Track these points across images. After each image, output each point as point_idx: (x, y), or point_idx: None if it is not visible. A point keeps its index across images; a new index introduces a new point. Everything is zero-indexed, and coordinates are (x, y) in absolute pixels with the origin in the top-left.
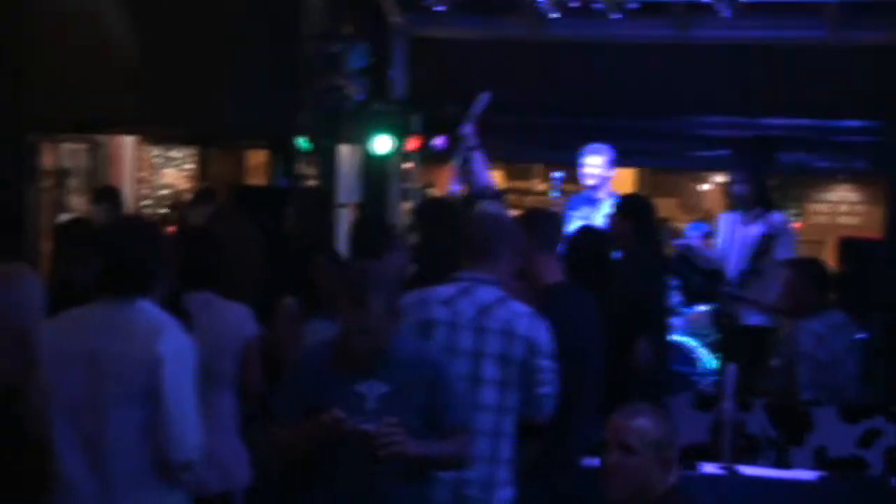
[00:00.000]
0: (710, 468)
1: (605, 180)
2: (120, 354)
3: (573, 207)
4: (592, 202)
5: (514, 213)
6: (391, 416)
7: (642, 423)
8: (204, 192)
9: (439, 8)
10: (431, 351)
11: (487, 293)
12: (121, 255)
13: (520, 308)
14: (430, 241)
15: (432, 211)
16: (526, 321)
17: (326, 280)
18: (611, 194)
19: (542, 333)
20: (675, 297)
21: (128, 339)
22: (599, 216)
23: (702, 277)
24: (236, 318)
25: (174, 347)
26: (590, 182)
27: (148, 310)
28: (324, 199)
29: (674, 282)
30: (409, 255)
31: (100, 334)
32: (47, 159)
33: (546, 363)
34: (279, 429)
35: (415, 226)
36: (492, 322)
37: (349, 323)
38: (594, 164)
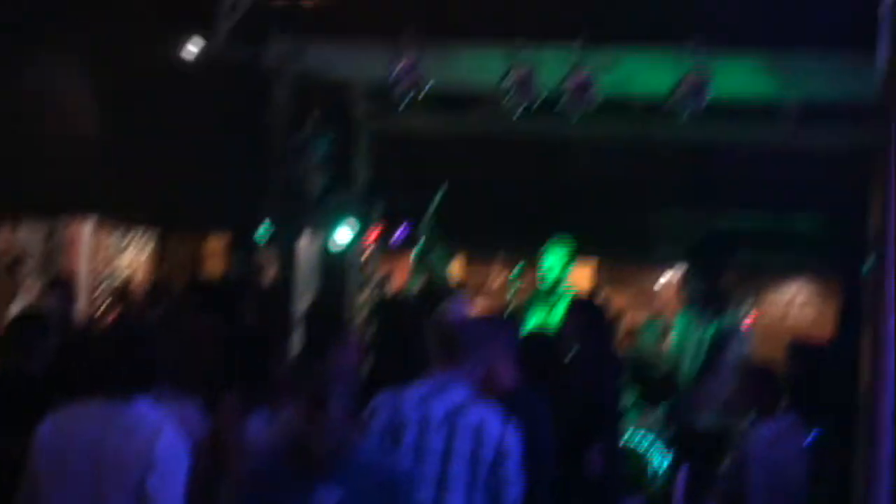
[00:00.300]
0: None
1: (562, 277)
2: (119, 451)
3: (531, 304)
4: (551, 298)
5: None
6: None
7: None
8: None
9: (403, 101)
10: (391, 458)
11: (459, 393)
12: (129, 355)
13: (490, 410)
14: (390, 340)
15: (392, 309)
16: (497, 424)
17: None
18: (567, 291)
19: (511, 437)
20: (628, 399)
21: (127, 437)
22: (556, 314)
23: (654, 380)
24: (184, 420)
25: (170, 449)
26: (548, 278)
27: (147, 408)
28: (280, 295)
29: (627, 383)
30: (362, 350)
31: (101, 430)
32: (2, 243)
33: (514, 466)
34: None
35: (374, 323)
36: (463, 422)
37: (308, 425)
38: (553, 261)
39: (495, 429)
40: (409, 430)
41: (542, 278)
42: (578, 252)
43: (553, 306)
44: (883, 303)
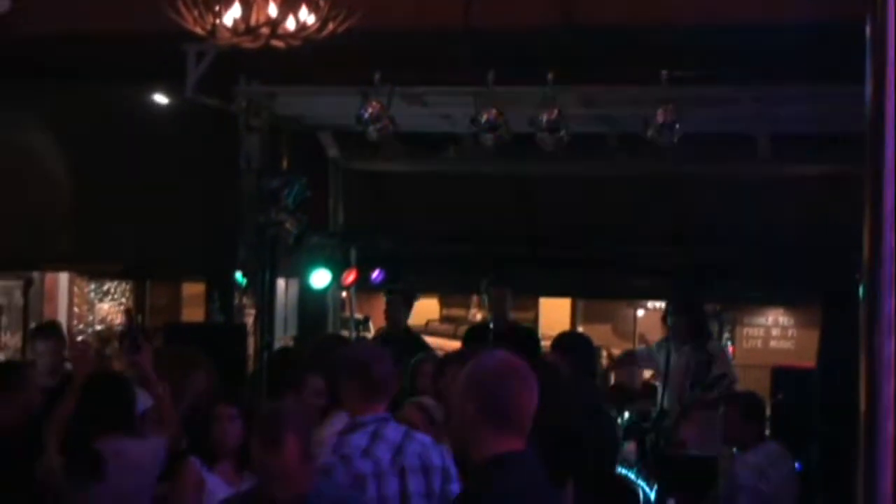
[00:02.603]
0: None
1: (505, 312)
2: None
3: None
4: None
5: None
6: None
7: (460, 374)
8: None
9: (377, 142)
10: (353, 497)
11: (394, 432)
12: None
13: (424, 438)
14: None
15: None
16: (435, 452)
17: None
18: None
19: (448, 459)
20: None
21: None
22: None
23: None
24: (150, 460)
25: None
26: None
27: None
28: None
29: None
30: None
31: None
32: None
33: (457, 487)
34: None
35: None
36: (408, 460)
37: (264, 467)
38: (499, 297)
39: (436, 457)
40: (367, 485)
41: (488, 313)
42: (556, 288)
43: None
44: (879, 328)
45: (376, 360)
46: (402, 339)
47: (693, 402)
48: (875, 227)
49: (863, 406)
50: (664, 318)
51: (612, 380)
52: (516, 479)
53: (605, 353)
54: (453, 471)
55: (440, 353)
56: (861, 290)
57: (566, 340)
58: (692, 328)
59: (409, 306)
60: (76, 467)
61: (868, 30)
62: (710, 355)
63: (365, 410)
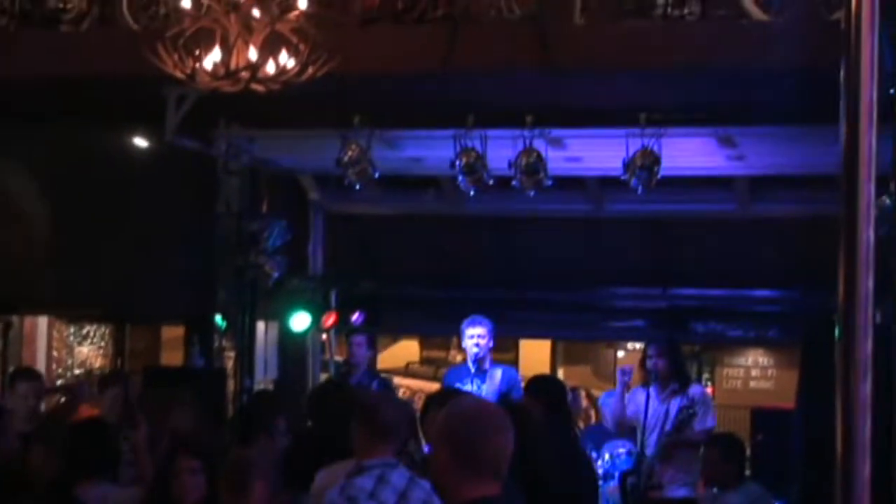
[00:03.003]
0: None
1: (487, 351)
2: None
3: (453, 380)
4: (477, 375)
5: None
6: None
7: (438, 420)
8: (112, 376)
9: (357, 185)
10: None
11: (399, 477)
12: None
13: (426, 484)
14: (321, 425)
15: (326, 396)
16: (439, 498)
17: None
18: (495, 366)
19: None
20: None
21: None
22: (487, 388)
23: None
24: None
25: None
26: (475, 352)
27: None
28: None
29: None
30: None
31: None
32: None
33: None
34: None
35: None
36: None
37: None
38: (476, 334)
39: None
40: None
41: (469, 354)
42: (535, 330)
43: (484, 382)
44: (855, 370)
45: (384, 406)
46: (366, 380)
47: (669, 443)
48: (850, 270)
49: (839, 448)
50: (642, 362)
51: (593, 419)
52: None
53: (583, 394)
54: None
55: (420, 395)
56: (837, 332)
57: (539, 384)
58: (673, 373)
59: (372, 347)
60: None
61: (842, 73)
62: (691, 400)
63: (371, 454)
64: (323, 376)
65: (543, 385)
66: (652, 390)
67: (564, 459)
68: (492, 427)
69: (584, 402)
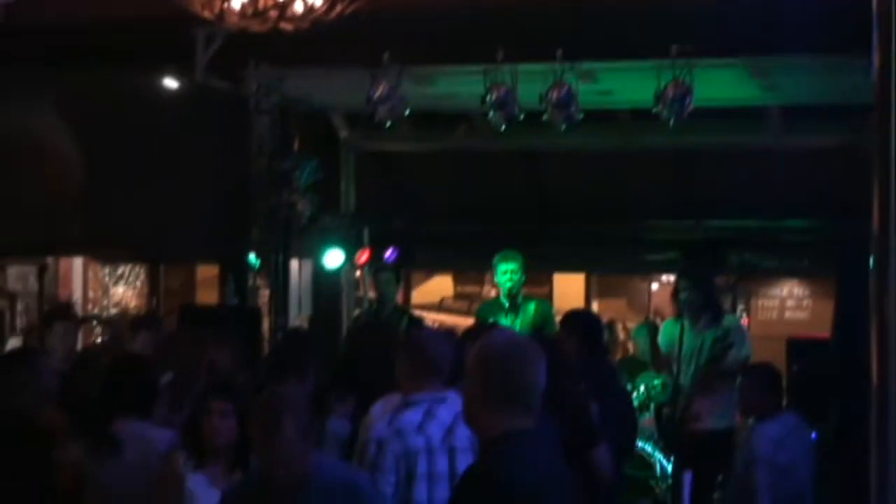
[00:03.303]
0: None
1: (519, 286)
2: None
3: (487, 314)
4: (511, 309)
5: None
6: None
7: (469, 354)
8: (146, 318)
9: (387, 122)
10: (355, 474)
11: (447, 412)
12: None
13: None
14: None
15: (366, 333)
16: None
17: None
18: (528, 299)
19: None
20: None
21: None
22: (521, 322)
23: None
24: (164, 448)
25: None
26: (509, 287)
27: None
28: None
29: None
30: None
31: None
32: None
33: None
34: None
35: (349, 347)
36: (458, 441)
37: (264, 451)
38: (508, 269)
39: None
40: (419, 460)
41: (500, 289)
42: (568, 263)
43: (516, 316)
44: (890, 298)
45: (433, 342)
46: (392, 315)
47: (705, 374)
48: (883, 198)
49: (875, 375)
50: (674, 295)
51: (630, 350)
52: (525, 456)
53: (620, 327)
54: None
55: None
56: (871, 260)
57: (573, 319)
58: (705, 305)
59: (398, 283)
60: (96, 448)
61: (875, 1)
62: (725, 331)
63: (417, 389)
64: (357, 313)
65: (578, 320)
66: (685, 322)
67: (600, 394)
68: (524, 360)
69: (621, 335)
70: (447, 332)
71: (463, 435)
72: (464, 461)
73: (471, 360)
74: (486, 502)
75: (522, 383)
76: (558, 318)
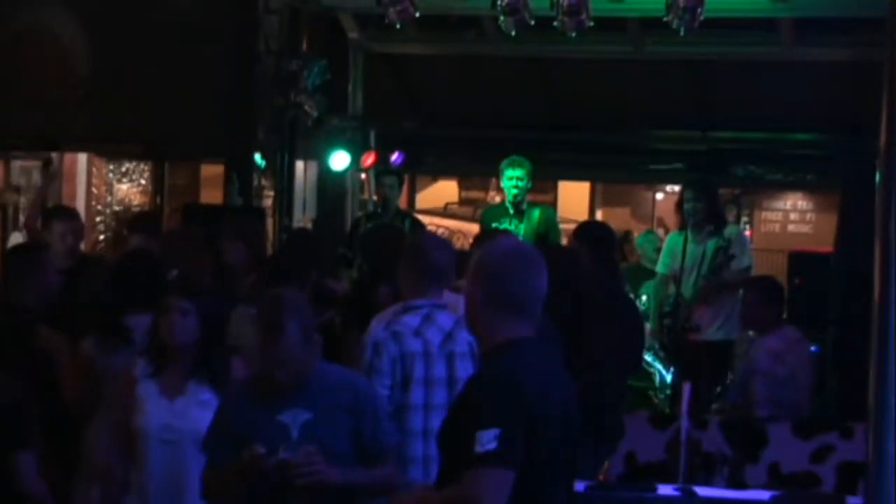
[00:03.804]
0: (666, 490)
1: (525, 192)
2: None
3: (491, 220)
4: (515, 215)
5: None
6: (315, 444)
7: (473, 261)
8: (144, 219)
9: (397, 24)
10: (354, 376)
11: (447, 318)
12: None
13: None
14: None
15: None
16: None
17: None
18: (533, 206)
19: None
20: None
21: None
22: (525, 228)
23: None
24: None
25: None
26: (515, 193)
27: None
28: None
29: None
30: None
31: None
32: None
33: None
34: (210, 471)
35: (362, 252)
36: (457, 346)
37: (266, 352)
38: (514, 176)
39: None
40: (416, 363)
41: (507, 195)
42: (575, 171)
43: (522, 221)
44: (892, 218)
45: (434, 247)
46: (394, 219)
47: (707, 285)
48: (891, 113)
49: (877, 289)
50: (678, 205)
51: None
52: (528, 362)
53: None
54: None
55: (458, 235)
56: (877, 175)
57: (587, 229)
58: (709, 216)
59: (401, 186)
60: (107, 341)
61: None
62: (727, 240)
63: (419, 295)
64: (358, 215)
65: (592, 231)
66: (689, 233)
67: (610, 305)
68: (525, 267)
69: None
70: (446, 239)
71: (463, 340)
72: (463, 367)
73: (471, 267)
74: (493, 405)
75: (524, 291)
76: (562, 227)
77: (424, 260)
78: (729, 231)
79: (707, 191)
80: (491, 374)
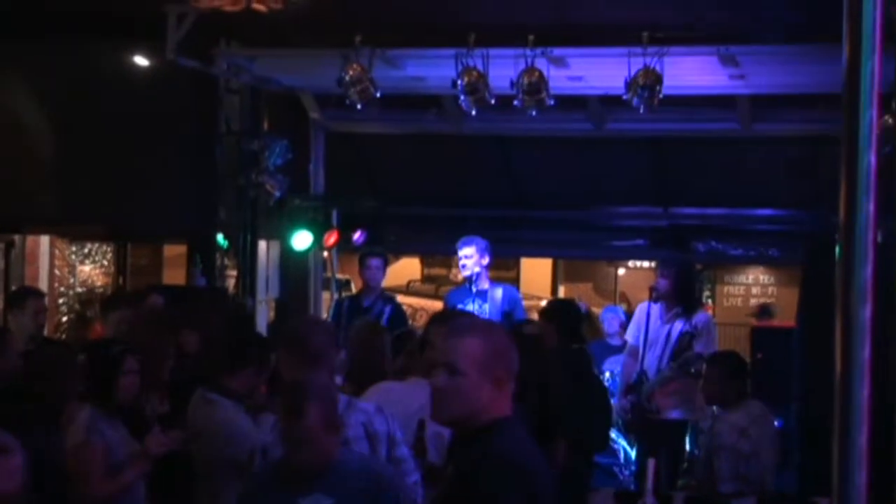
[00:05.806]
0: None
1: (482, 270)
2: None
3: (455, 300)
4: (478, 295)
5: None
6: None
7: (468, 343)
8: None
9: (358, 104)
10: (378, 463)
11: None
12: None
13: (367, 406)
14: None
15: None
16: (379, 419)
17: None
18: (496, 285)
19: (394, 425)
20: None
21: None
22: (489, 308)
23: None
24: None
25: None
26: (466, 273)
27: None
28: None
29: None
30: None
31: None
32: None
33: (406, 451)
34: None
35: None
36: (351, 431)
37: (287, 435)
38: (464, 255)
39: (381, 423)
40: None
41: (463, 273)
42: (537, 249)
43: (484, 301)
44: (855, 294)
45: (313, 332)
46: (380, 302)
47: (667, 377)
48: (851, 191)
49: (838, 371)
50: (655, 285)
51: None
52: (521, 438)
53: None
54: (399, 436)
55: (421, 312)
56: (837, 250)
57: (553, 308)
58: (679, 295)
59: (385, 269)
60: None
61: None
62: (694, 328)
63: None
64: (325, 295)
65: (559, 310)
66: (657, 307)
67: (578, 387)
68: (510, 347)
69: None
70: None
71: (356, 423)
72: (360, 450)
73: (465, 349)
74: (505, 491)
75: (511, 370)
76: (525, 303)
77: (307, 345)
78: (697, 318)
79: (677, 271)
80: (496, 455)
